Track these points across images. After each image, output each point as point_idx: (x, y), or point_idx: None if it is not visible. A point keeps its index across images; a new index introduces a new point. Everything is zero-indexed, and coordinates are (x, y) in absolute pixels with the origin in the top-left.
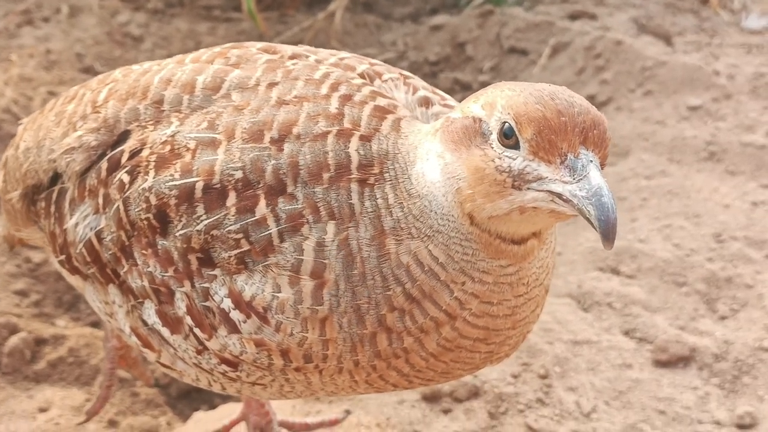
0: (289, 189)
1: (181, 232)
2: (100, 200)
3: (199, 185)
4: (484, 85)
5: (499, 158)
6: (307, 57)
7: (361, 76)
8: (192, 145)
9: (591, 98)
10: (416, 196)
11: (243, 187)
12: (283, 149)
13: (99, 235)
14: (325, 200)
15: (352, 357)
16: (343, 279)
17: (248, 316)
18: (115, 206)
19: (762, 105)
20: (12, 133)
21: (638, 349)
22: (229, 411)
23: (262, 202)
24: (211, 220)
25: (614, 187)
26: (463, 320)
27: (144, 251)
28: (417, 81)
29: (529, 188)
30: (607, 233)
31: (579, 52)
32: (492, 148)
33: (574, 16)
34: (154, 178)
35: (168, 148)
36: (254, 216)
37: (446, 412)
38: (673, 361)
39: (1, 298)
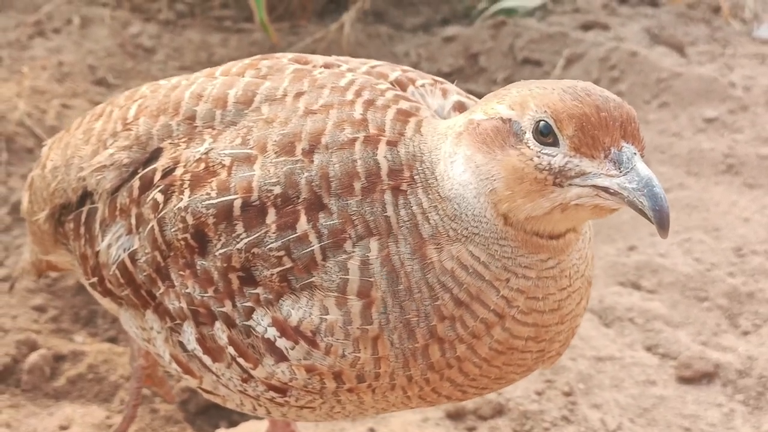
0: (325, 201)
1: (221, 251)
2: (133, 220)
3: (238, 203)
4: None
5: (538, 156)
6: (338, 66)
7: (394, 83)
8: (227, 161)
9: None
10: (446, 198)
11: (282, 203)
12: (313, 161)
13: (133, 256)
14: (359, 213)
15: (405, 372)
16: (390, 295)
17: (296, 342)
18: (150, 226)
19: None
20: (27, 147)
21: (661, 365)
22: (252, 429)
23: (303, 218)
24: (251, 238)
25: None
26: (513, 319)
27: (182, 272)
28: (450, 86)
29: (571, 184)
30: (662, 222)
31: (593, 63)
32: (529, 147)
33: (586, 27)
34: (189, 197)
35: (202, 166)
36: (296, 233)
37: (471, 430)
38: (696, 377)
39: (19, 314)
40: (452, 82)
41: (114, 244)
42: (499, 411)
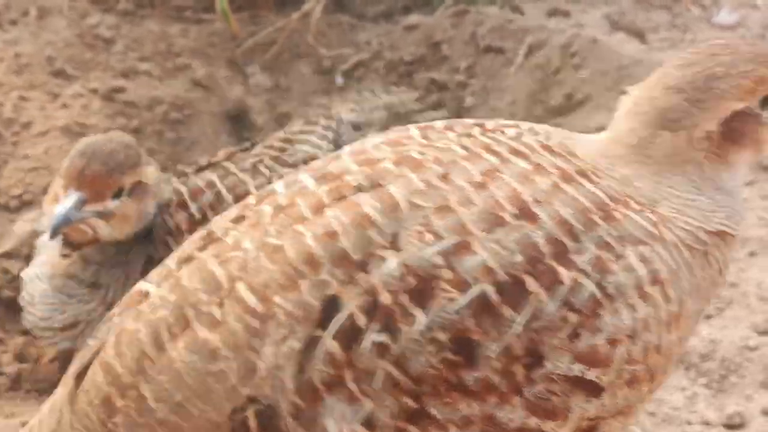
0: (569, 245)
1: (494, 347)
2: (352, 385)
3: (490, 289)
4: (460, 85)
5: None
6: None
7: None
8: (440, 261)
9: (568, 97)
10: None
11: (532, 267)
12: (536, 218)
13: (370, 421)
14: (612, 235)
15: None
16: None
17: (608, 365)
18: (379, 375)
19: None
20: None
21: None
22: None
23: (561, 269)
24: (526, 315)
25: None
26: None
27: (447, 399)
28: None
29: None
30: None
31: (555, 51)
32: None
33: (548, 14)
34: (426, 314)
35: (410, 278)
36: (564, 284)
37: None
38: None
39: None
40: (414, 71)
41: (333, 427)
42: None
